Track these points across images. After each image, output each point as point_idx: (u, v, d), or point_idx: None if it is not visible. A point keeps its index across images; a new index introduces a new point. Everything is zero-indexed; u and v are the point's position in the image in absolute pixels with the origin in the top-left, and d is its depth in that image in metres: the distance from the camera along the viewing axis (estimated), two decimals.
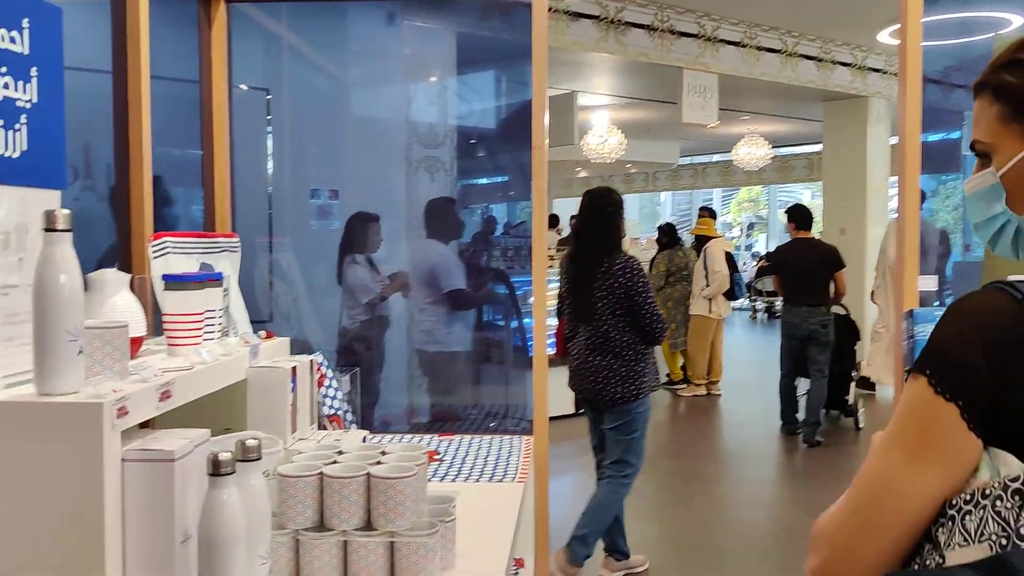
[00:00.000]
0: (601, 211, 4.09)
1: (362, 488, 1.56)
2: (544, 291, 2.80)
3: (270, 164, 4.53)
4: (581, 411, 5.68)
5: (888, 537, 0.97)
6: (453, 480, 2.25)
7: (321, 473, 1.57)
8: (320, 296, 3.26)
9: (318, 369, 2.56)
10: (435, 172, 6.24)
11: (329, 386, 2.64)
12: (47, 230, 1.36)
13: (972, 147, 1.12)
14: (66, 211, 1.38)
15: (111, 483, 1.32)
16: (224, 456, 1.37)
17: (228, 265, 2.58)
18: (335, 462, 1.64)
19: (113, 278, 1.72)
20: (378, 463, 1.64)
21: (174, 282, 1.82)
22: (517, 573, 2.56)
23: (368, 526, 1.56)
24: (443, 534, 1.62)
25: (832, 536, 1.01)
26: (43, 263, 1.36)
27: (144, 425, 1.75)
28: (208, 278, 1.91)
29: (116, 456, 1.34)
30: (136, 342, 1.74)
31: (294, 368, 1.91)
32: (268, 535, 1.47)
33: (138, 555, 1.36)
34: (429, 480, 2.18)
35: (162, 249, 2.24)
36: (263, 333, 2.12)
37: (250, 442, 1.45)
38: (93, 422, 1.30)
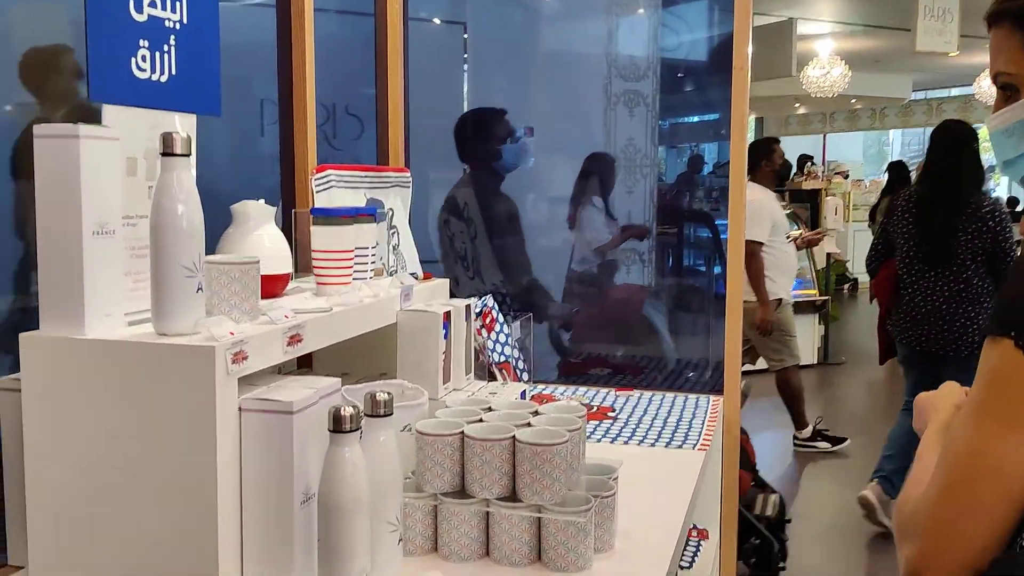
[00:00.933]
0: (963, 145, 3.80)
1: (505, 453, 1.37)
2: (741, 232, 2.49)
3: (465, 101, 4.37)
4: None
5: (989, 518, 0.90)
6: (626, 442, 2.03)
7: (462, 433, 1.39)
8: (500, 236, 3.09)
9: (487, 313, 2.40)
10: (635, 107, 5.90)
11: (500, 331, 2.48)
12: (164, 154, 1.24)
13: (994, 80, 1.09)
14: (185, 134, 1.25)
15: (225, 434, 1.20)
16: (347, 411, 1.22)
17: (399, 201, 2.45)
18: (480, 420, 1.46)
19: (257, 210, 1.61)
20: (527, 424, 1.44)
21: (322, 216, 1.69)
22: (699, 545, 2.32)
23: (513, 496, 1.38)
24: (600, 511, 1.41)
25: (927, 521, 0.93)
26: (159, 191, 1.24)
27: (305, 364, 1.65)
28: (359, 213, 1.77)
29: (232, 405, 1.21)
30: (281, 280, 1.63)
31: (447, 313, 1.74)
32: (398, 500, 1.32)
33: (255, 513, 1.24)
34: (598, 442, 1.97)
35: (326, 182, 2.12)
36: (420, 274, 1.97)
37: (381, 395, 1.29)
38: (205, 367, 1.18)
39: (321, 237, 1.68)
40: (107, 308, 1.27)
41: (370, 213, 1.79)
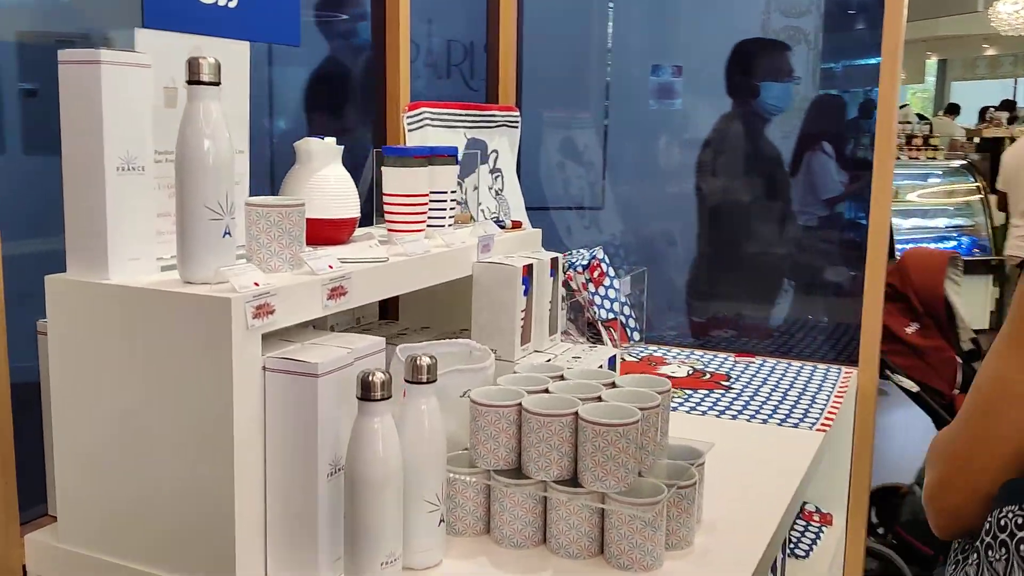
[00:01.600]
0: None
1: (566, 431, 1.20)
2: (889, 183, 2.19)
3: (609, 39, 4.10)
4: None
5: (1008, 447, 0.87)
6: (734, 417, 1.81)
7: (520, 405, 1.23)
8: (629, 181, 2.86)
9: (595, 266, 2.21)
10: (795, 45, 5.46)
11: (610, 287, 2.29)
12: (190, 82, 1.11)
13: None
14: (214, 60, 1.12)
15: (245, 395, 1.08)
16: (377, 377, 1.07)
17: (505, 142, 2.29)
18: (546, 390, 1.29)
19: (321, 148, 1.48)
20: (597, 399, 1.26)
21: (392, 156, 1.54)
22: (820, 531, 2.09)
23: (575, 479, 1.21)
24: (676, 503, 1.22)
25: (947, 448, 0.92)
26: (184, 122, 1.12)
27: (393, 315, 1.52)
28: (436, 153, 1.61)
29: (253, 364, 1.09)
30: (345, 225, 1.50)
31: (528, 267, 1.57)
32: (440, 477, 1.17)
33: (279, 482, 1.13)
34: (702, 414, 1.77)
35: (419, 120, 1.98)
36: (508, 222, 1.80)
37: (424, 359, 1.14)
38: (220, 320, 1.06)
39: (392, 179, 1.54)
40: (134, 251, 1.17)
41: (449, 154, 1.63)
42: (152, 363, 1.11)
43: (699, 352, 2.33)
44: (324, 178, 1.48)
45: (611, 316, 2.30)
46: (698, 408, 1.86)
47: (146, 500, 1.14)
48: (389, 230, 1.56)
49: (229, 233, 1.14)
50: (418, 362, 1.15)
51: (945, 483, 0.91)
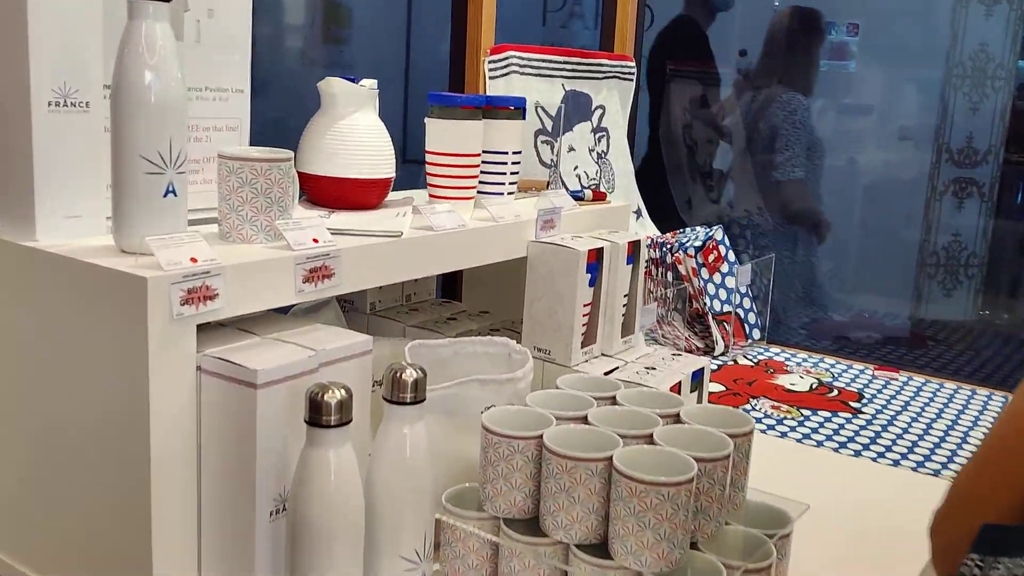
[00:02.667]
0: None
1: (596, 481, 0.89)
2: None
3: None
4: None
5: (1010, 486, 0.76)
6: (857, 453, 1.45)
7: (540, 438, 0.93)
8: (773, 149, 2.47)
9: (710, 249, 1.87)
10: (993, 5, 4.83)
11: (728, 274, 1.93)
12: None
13: None
14: None
15: (167, 400, 0.84)
16: (331, 395, 0.80)
17: (615, 97, 1.96)
18: (585, 419, 0.99)
19: (345, 91, 1.21)
20: (648, 438, 0.95)
21: (436, 104, 1.25)
22: None
23: (604, 543, 0.90)
24: None
25: (956, 482, 0.83)
26: (121, 48, 0.87)
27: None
28: (496, 104, 1.31)
29: (183, 362, 0.85)
30: (374, 187, 1.23)
31: (598, 251, 1.26)
32: (423, 525, 0.90)
33: (213, 516, 0.88)
34: (816, 445, 1.42)
35: (504, 66, 1.69)
36: (588, 193, 1.48)
37: (410, 372, 0.87)
38: (135, 304, 0.81)
39: (435, 133, 1.26)
40: (75, 207, 0.94)
41: (514, 105, 1.33)
42: (65, 350, 0.88)
43: (831, 360, 1.95)
44: (349, 128, 1.21)
45: (726, 309, 1.95)
46: (813, 436, 1.51)
47: (57, 512, 0.92)
48: (430, 196, 1.28)
49: (173, 192, 0.89)
50: (400, 376, 0.87)
51: (947, 514, 0.82)
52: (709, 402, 1.46)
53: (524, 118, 1.36)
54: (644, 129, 2.23)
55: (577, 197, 1.45)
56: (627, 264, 1.32)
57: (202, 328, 0.89)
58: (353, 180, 1.21)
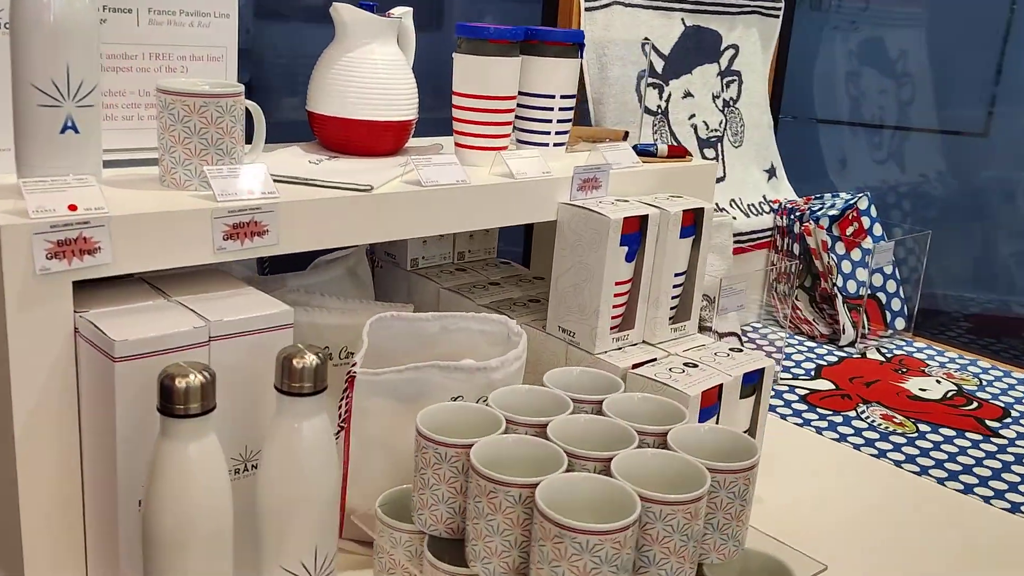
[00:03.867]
0: None
1: (519, 512, 0.72)
2: None
3: None
4: None
5: None
6: (968, 489, 1.17)
7: (469, 448, 0.77)
8: (963, 102, 2.05)
9: (849, 220, 1.59)
10: None
11: (869, 251, 1.65)
12: None
13: None
14: None
15: (32, 366, 0.74)
16: (187, 381, 0.68)
17: (752, 36, 1.71)
18: (543, 428, 0.81)
19: (355, 19, 1.07)
20: (606, 464, 0.76)
21: (465, 36, 1.08)
22: None
23: None
24: None
25: None
26: None
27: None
28: (542, 38, 1.12)
29: (54, 324, 0.75)
30: (388, 129, 1.09)
31: (640, 219, 1.05)
32: (316, 535, 0.76)
33: (93, 499, 0.79)
34: (922, 472, 1.16)
35: None
36: (664, 146, 1.25)
37: (307, 359, 0.73)
38: None
39: (461, 71, 1.09)
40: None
41: (567, 40, 1.13)
42: None
43: (986, 364, 1.62)
44: (360, 63, 1.07)
45: (862, 292, 1.66)
46: (920, 459, 1.23)
47: None
48: (456, 144, 1.12)
49: (73, 127, 0.78)
50: (293, 363, 0.73)
51: None
52: (774, 411, 1.23)
53: (580, 56, 1.16)
54: (800, 71, 1.92)
55: (646, 152, 1.23)
56: (683, 237, 1.10)
57: (106, 283, 0.79)
58: (361, 122, 1.07)
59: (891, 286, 1.72)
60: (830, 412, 1.37)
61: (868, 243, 1.68)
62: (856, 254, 1.66)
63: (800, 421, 1.33)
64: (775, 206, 1.72)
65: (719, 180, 1.67)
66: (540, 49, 1.13)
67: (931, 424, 1.34)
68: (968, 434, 1.32)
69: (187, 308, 0.79)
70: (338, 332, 1.00)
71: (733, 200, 1.68)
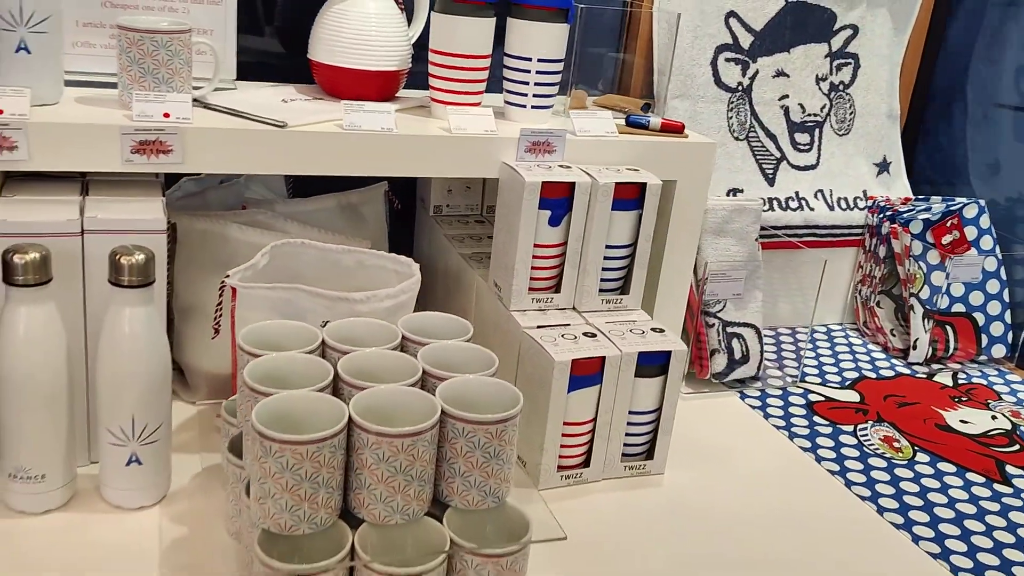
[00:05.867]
0: None
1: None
2: None
3: None
4: None
5: None
6: (937, 557, 1.05)
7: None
8: None
9: (948, 228, 1.46)
10: None
11: (971, 264, 1.50)
12: None
13: None
14: None
15: None
16: (26, 257, 0.85)
17: (881, 17, 1.66)
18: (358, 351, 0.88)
19: None
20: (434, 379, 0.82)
21: None
22: None
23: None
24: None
25: None
26: None
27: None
28: (523, 1, 1.15)
29: None
30: (378, 79, 1.18)
31: (566, 186, 1.06)
32: (133, 408, 0.90)
33: None
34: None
35: None
36: (657, 119, 1.22)
37: (136, 257, 0.87)
38: None
39: (435, 29, 1.16)
40: None
41: (550, 6, 1.15)
42: None
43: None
44: (349, 15, 1.18)
45: (954, 309, 1.51)
46: (888, 486, 1.13)
47: None
48: (431, 99, 1.19)
49: (25, 48, 0.97)
50: (120, 259, 0.87)
51: None
52: (762, 411, 1.19)
53: (566, 21, 1.17)
54: (957, 61, 1.72)
55: (637, 124, 1.22)
56: (620, 210, 1.10)
57: (46, 178, 0.98)
58: (347, 70, 1.17)
59: (993, 307, 1.52)
60: (827, 423, 1.28)
61: (972, 255, 1.51)
62: (955, 266, 1.49)
63: (782, 424, 1.26)
64: (870, 203, 1.58)
65: (810, 168, 1.58)
66: (521, 12, 1.16)
67: (933, 455, 1.21)
68: (970, 474, 1.18)
69: (79, 205, 0.94)
70: None
71: (820, 191, 1.57)
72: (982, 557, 1.01)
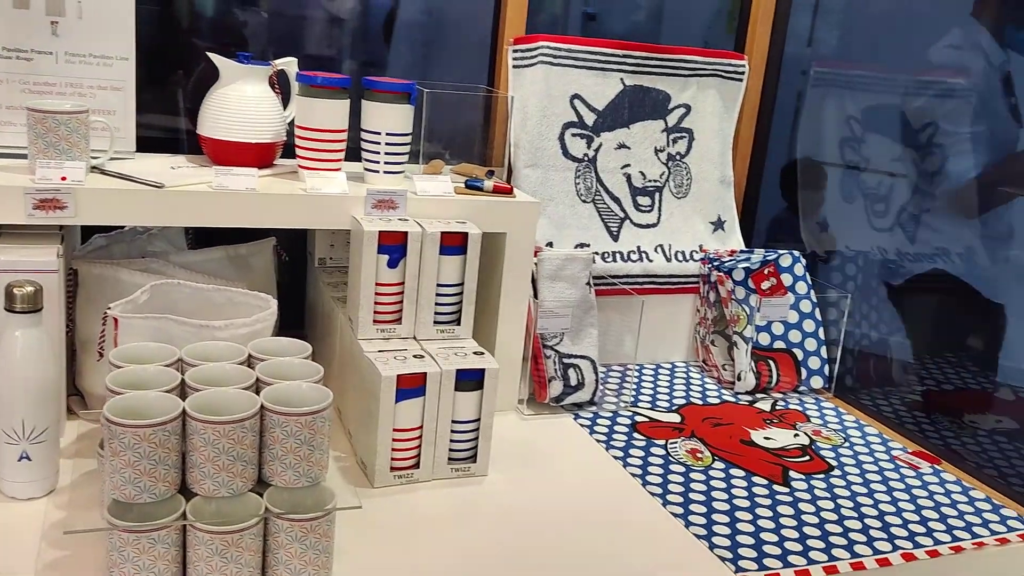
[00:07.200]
0: None
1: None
2: None
3: None
4: None
5: None
6: (687, 522, 1.26)
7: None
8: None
9: (765, 275, 1.69)
10: None
11: (787, 304, 1.73)
12: None
13: None
14: None
15: None
16: None
17: (711, 97, 1.86)
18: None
19: (224, 67, 1.41)
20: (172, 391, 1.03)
21: (302, 83, 1.39)
22: None
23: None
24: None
25: None
26: None
27: None
28: (374, 87, 1.39)
29: None
30: (260, 150, 1.42)
31: (402, 235, 1.29)
32: (24, 413, 1.10)
33: None
34: (657, 495, 1.29)
35: (532, 56, 1.72)
36: (490, 183, 1.47)
37: (20, 290, 1.08)
38: None
39: (300, 108, 1.40)
40: None
41: (392, 89, 1.40)
42: None
43: (876, 431, 1.62)
44: (229, 97, 1.41)
45: (776, 345, 1.74)
46: (679, 486, 1.33)
47: None
48: (299, 166, 1.43)
49: None
50: (13, 290, 1.08)
51: None
52: (590, 428, 1.39)
53: (410, 103, 1.41)
54: (786, 132, 1.99)
55: (473, 187, 1.46)
56: (448, 255, 1.33)
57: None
58: (225, 142, 1.41)
59: (810, 344, 1.76)
60: (643, 438, 1.49)
61: (788, 299, 1.75)
62: (771, 307, 1.73)
63: (604, 439, 1.47)
64: (703, 255, 1.82)
65: (651, 226, 1.82)
66: (371, 95, 1.40)
67: (728, 463, 1.43)
68: (755, 477, 1.39)
69: None
70: None
71: (660, 246, 1.81)
72: (740, 539, 1.22)
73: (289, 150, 1.46)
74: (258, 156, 1.43)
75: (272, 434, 1.02)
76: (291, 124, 1.46)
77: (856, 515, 1.31)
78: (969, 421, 1.74)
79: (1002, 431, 1.74)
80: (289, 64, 1.47)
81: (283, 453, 1.02)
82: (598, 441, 1.46)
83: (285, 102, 1.48)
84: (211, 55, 1.42)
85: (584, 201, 1.76)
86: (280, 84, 1.48)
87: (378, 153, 1.42)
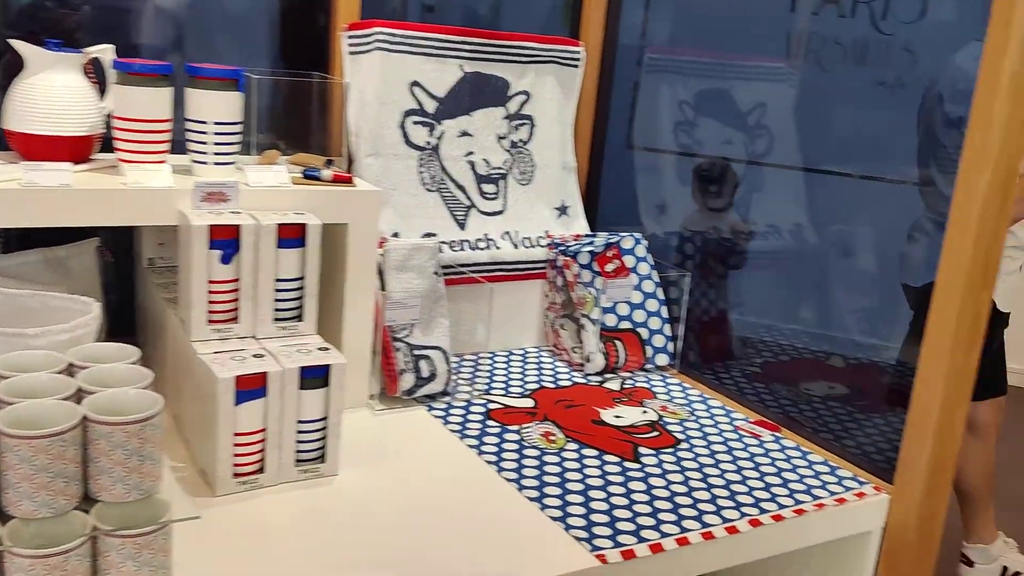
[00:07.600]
0: None
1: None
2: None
3: None
4: None
5: None
6: (542, 503, 1.26)
7: None
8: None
9: (607, 258, 1.69)
10: None
11: (635, 287, 1.75)
12: None
13: None
14: None
15: None
16: None
17: (549, 84, 1.86)
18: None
19: (30, 54, 1.30)
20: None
21: (120, 71, 1.30)
22: None
23: None
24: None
25: None
26: None
27: None
28: (198, 74, 1.32)
29: None
30: (74, 143, 1.31)
31: (235, 228, 1.23)
32: None
33: None
34: (513, 480, 1.28)
35: (368, 43, 1.67)
36: (329, 172, 1.42)
37: None
38: None
39: (117, 98, 1.31)
40: None
41: (220, 76, 1.33)
42: None
43: (717, 403, 1.67)
44: (38, 87, 1.31)
45: (621, 326, 1.76)
46: (532, 468, 1.33)
47: None
48: (118, 159, 1.34)
49: None
50: None
51: None
52: (444, 419, 1.36)
53: (238, 90, 1.35)
54: (623, 119, 2.03)
55: (312, 176, 1.41)
56: (286, 248, 1.27)
57: None
58: (35, 136, 1.30)
59: (654, 323, 1.79)
60: (497, 424, 1.48)
61: (632, 280, 1.77)
62: (617, 288, 1.75)
63: (458, 429, 1.45)
64: (549, 241, 1.83)
65: (497, 213, 1.81)
66: (196, 82, 1.33)
67: (581, 444, 1.43)
68: (607, 456, 1.40)
69: None
70: None
71: (507, 232, 1.81)
72: (595, 517, 1.22)
73: (109, 144, 1.37)
74: (72, 150, 1.33)
75: (97, 446, 0.94)
76: (110, 116, 1.36)
77: (704, 486, 1.34)
78: (805, 389, 1.82)
79: (835, 397, 1.83)
80: (105, 51, 1.37)
81: (110, 466, 0.94)
82: (452, 432, 1.44)
83: (103, 92, 1.39)
84: (13, 42, 1.30)
85: (429, 190, 1.73)
86: (96, 73, 1.39)
87: (205, 144, 1.35)
